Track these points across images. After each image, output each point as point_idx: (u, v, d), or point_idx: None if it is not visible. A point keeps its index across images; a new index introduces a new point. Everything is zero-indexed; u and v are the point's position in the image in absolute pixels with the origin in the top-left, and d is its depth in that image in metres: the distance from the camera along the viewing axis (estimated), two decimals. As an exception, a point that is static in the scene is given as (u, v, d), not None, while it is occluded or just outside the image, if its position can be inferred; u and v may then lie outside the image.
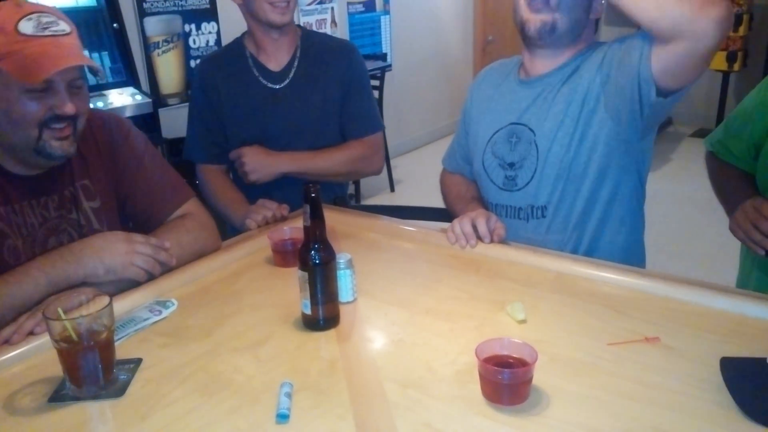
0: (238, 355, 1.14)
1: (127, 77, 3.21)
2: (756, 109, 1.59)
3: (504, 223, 1.53)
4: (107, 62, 3.18)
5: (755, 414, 0.91)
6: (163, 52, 3.92)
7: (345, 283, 1.28)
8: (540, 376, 0.99)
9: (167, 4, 3.89)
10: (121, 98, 3.08)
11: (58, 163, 1.34)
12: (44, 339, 1.12)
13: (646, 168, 1.60)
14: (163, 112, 3.47)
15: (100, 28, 3.15)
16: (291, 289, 1.26)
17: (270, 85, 1.91)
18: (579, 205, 1.55)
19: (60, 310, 1.04)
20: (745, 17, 5.64)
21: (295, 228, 1.54)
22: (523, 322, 1.20)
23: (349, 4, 5.37)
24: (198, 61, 3.40)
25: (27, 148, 1.27)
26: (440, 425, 0.93)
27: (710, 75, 5.98)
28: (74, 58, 1.24)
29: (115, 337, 1.13)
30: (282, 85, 1.92)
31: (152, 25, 3.84)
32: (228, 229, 1.88)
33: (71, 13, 1.49)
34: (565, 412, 0.95)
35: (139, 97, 3.13)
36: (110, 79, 3.10)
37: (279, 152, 1.88)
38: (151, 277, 1.35)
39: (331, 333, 1.21)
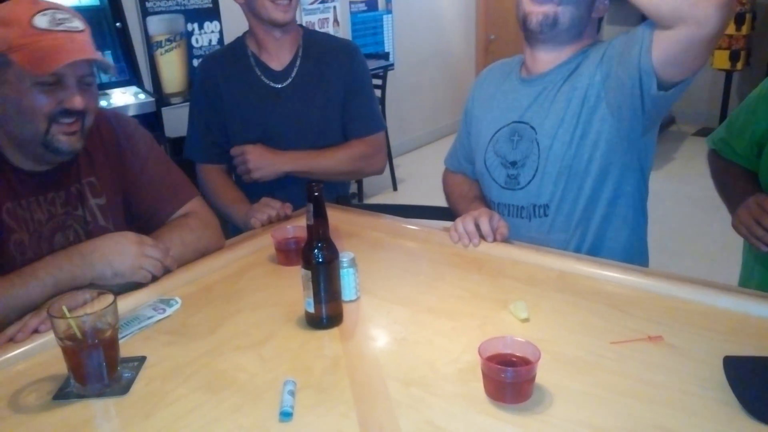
0: (241, 353, 1.14)
1: (130, 76, 3.22)
2: (759, 107, 1.59)
3: (507, 222, 1.53)
4: (110, 61, 3.18)
5: (758, 413, 0.91)
6: (166, 51, 3.92)
7: (348, 281, 1.29)
8: (543, 375, 0.99)
9: (170, 3, 3.89)
10: (124, 97, 3.08)
11: (66, 158, 1.35)
12: (49, 337, 1.12)
13: (648, 165, 1.60)
14: (166, 111, 3.47)
15: (103, 27, 3.16)
16: (294, 288, 1.26)
17: (272, 84, 1.91)
18: (581, 204, 1.55)
19: (64, 308, 1.05)
20: (748, 16, 5.63)
21: (298, 227, 1.55)
22: (525, 320, 1.20)
23: (351, 3, 5.37)
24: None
25: (35, 141, 1.27)
26: (443, 423, 0.94)
27: (713, 74, 5.98)
28: (86, 53, 1.26)
29: (120, 335, 1.13)
30: (284, 84, 1.91)
31: (155, 24, 3.85)
32: (230, 228, 1.88)
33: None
34: (568, 410, 0.95)
35: (142, 96, 3.14)
36: (113, 79, 3.11)
37: (282, 151, 1.88)
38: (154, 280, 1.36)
39: (334, 331, 1.21)
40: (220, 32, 4.16)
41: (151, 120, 3.07)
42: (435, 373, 1.06)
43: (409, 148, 6.14)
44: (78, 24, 1.28)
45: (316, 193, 1.16)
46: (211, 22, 4.12)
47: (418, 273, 1.45)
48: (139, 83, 3.24)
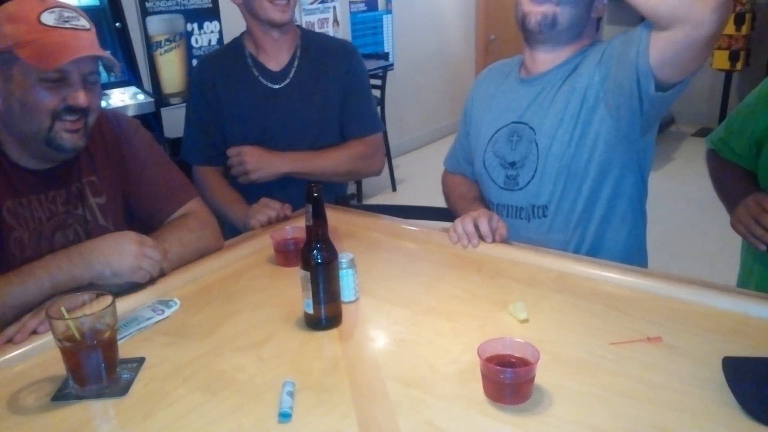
0: (240, 354, 1.14)
1: (129, 76, 3.21)
2: (758, 106, 1.59)
3: (506, 223, 1.53)
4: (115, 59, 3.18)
5: (757, 413, 0.91)
6: (166, 51, 3.92)
7: (347, 282, 1.29)
8: (542, 376, 0.99)
9: (169, 3, 3.89)
10: (123, 97, 3.08)
11: (68, 156, 1.36)
12: (47, 338, 1.12)
13: (647, 165, 1.60)
14: (165, 112, 3.47)
15: (103, 27, 3.15)
16: (293, 289, 1.26)
17: (270, 84, 1.91)
18: (580, 204, 1.55)
19: (63, 310, 1.05)
20: (748, 16, 5.63)
21: (297, 227, 1.54)
22: (525, 321, 1.20)
23: (351, 3, 5.37)
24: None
25: (38, 138, 1.28)
26: (442, 424, 0.93)
27: (713, 74, 5.98)
28: (92, 50, 1.27)
29: (118, 336, 1.13)
30: (282, 84, 1.91)
31: (154, 24, 3.85)
32: (227, 229, 1.87)
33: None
34: (567, 411, 0.95)
35: (141, 97, 3.13)
36: (112, 79, 3.11)
37: (280, 152, 1.87)
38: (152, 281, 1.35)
39: (333, 332, 1.21)
40: (220, 32, 4.16)
41: (150, 120, 3.07)
42: (434, 373, 1.06)
43: (409, 148, 6.14)
44: (84, 23, 1.30)
45: (315, 194, 1.16)
46: (210, 22, 4.12)
47: (418, 274, 1.45)
48: (138, 83, 3.24)
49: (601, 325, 1.18)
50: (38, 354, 1.14)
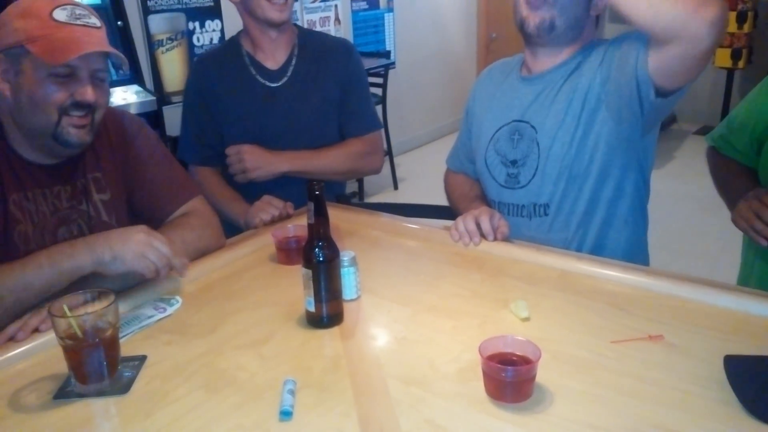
0: (241, 353, 1.14)
1: (131, 75, 3.21)
2: (760, 102, 1.59)
3: (507, 221, 1.53)
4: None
5: (759, 412, 0.91)
6: (167, 50, 3.92)
7: (349, 280, 1.29)
8: (543, 374, 0.99)
9: (171, 1, 3.89)
10: (125, 96, 3.08)
11: (74, 152, 1.37)
12: (49, 336, 1.13)
13: (649, 165, 1.60)
14: (167, 110, 3.47)
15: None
16: (295, 287, 1.26)
17: (268, 83, 1.90)
18: (582, 204, 1.55)
19: (65, 307, 1.05)
20: (750, 14, 5.62)
21: (298, 226, 1.55)
22: (526, 319, 1.20)
23: (352, 1, 5.37)
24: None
25: (45, 133, 1.29)
26: (443, 422, 0.94)
27: (715, 72, 5.97)
28: (101, 47, 1.29)
29: (120, 335, 1.13)
30: (280, 83, 1.90)
31: (156, 22, 3.85)
32: (226, 227, 1.86)
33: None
34: (569, 409, 0.95)
35: (143, 95, 3.14)
36: (114, 77, 3.11)
37: (278, 151, 1.86)
38: (157, 276, 1.31)
39: (334, 330, 1.21)
40: (222, 31, 4.16)
41: (151, 119, 3.07)
42: (435, 372, 1.06)
43: (410, 147, 6.14)
44: (95, 21, 1.31)
45: (317, 192, 1.16)
46: (212, 20, 4.12)
47: (419, 272, 1.45)
48: (140, 82, 3.24)
49: (602, 324, 1.18)
50: (40, 352, 1.15)
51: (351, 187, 4.84)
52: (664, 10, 1.25)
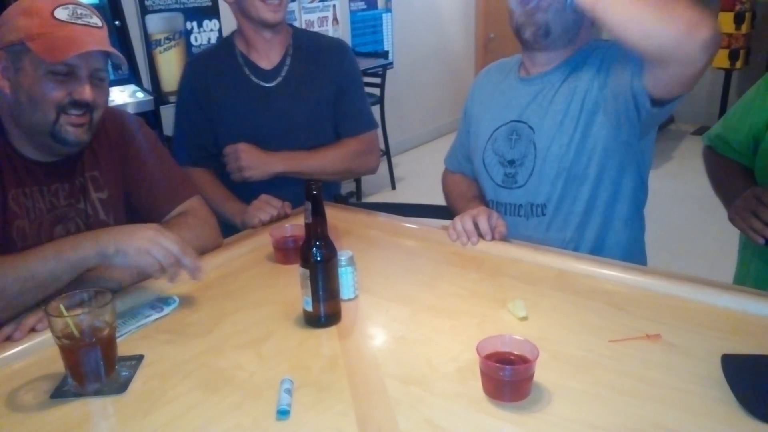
0: (239, 352, 1.14)
1: (128, 75, 3.21)
2: (756, 102, 1.59)
3: (505, 221, 1.53)
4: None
5: (756, 411, 0.91)
6: (165, 49, 3.92)
7: (346, 280, 1.28)
8: (541, 373, 0.99)
9: (169, 1, 3.88)
10: (123, 96, 3.08)
11: (72, 151, 1.37)
12: (46, 335, 1.12)
13: (646, 166, 1.60)
14: (164, 110, 3.47)
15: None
16: (292, 287, 1.26)
17: (262, 83, 1.88)
18: (580, 206, 1.55)
19: (62, 307, 1.04)
20: (748, 15, 5.63)
21: (296, 225, 1.54)
22: (524, 319, 1.20)
23: (350, 1, 5.36)
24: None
25: (43, 131, 1.30)
26: (441, 422, 0.93)
27: (712, 73, 5.97)
28: (100, 46, 1.29)
29: (117, 334, 1.13)
30: (274, 83, 1.89)
31: (154, 22, 3.84)
32: (222, 227, 1.85)
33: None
34: (566, 408, 0.95)
35: (140, 95, 3.13)
36: (112, 77, 3.11)
37: (274, 152, 1.85)
38: (165, 276, 1.25)
39: (332, 330, 1.21)
40: (219, 31, 4.15)
41: (149, 118, 3.07)
42: (433, 371, 1.06)
43: (408, 146, 6.14)
44: (97, 21, 1.32)
45: (315, 192, 1.16)
46: (210, 20, 4.12)
47: (417, 271, 1.45)
48: (137, 82, 3.24)
49: (600, 323, 1.18)
50: (37, 351, 1.14)
51: (349, 186, 4.84)
52: (655, 33, 1.23)
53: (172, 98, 3.93)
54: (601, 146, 1.50)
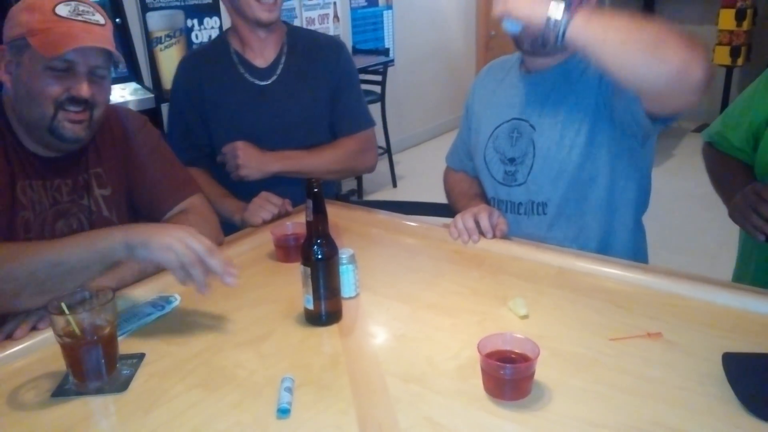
0: (240, 351, 1.14)
1: (129, 72, 3.21)
2: (757, 97, 1.59)
3: (506, 219, 1.53)
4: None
5: (757, 409, 0.91)
6: (166, 47, 3.91)
7: (347, 278, 1.28)
8: (542, 371, 0.99)
9: (169, -1, 3.89)
10: (124, 93, 3.08)
11: (71, 147, 1.38)
12: (47, 334, 1.12)
13: (648, 168, 1.60)
14: (165, 108, 3.46)
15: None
16: (293, 285, 1.26)
17: (257, 82, 1.87)
18: (583, 208, 1.54)
19: (63, 305, 1.05)
20: (749, 12, 5.62)
21: (297, 223, 1.54)
22: (525, 317, 1.20)
23: (351, -2, 5.37)
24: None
25: (42, 126, 1.31)
26: (442, 420, 0.93)
27: (713, 70, 5.95)
28: (97, 42, 1.29)
29: (118, 332, 1.13)
30: (269, 81, 1.87)
31: (155, 20, 3.84)
32: (223, 226, 1.85)
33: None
34: (567, 406, 0.95)
35: (141, 93, 3.13)
36: (112, 74, 3.11)
37: (270, 152, 1.83)
38: (187, 277, 1.18)
39: (333, 328, 1.21)
40: (220, 28, 4.15)
41: (150, 116, 3.05)
42: (434, 369, 1.06)
43: (409, 144, 6.13)
44: (99, 18, 1.32)
45: (316, 190, 1.16)
46: (211, 17, 4.11)
47: (418, 270, 1.45)
48: (138, 79, 3.24)
49: (601, 321, 1.18)
50: (38, 350, 1.15)
51: (350, 184, 4.84)
52: (646, 77, 1.21)
53: (173, 96, 3.94)
54: (605, 150, 1.50)
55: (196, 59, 1.96)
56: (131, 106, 2.99)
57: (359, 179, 4.88)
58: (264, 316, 1.26)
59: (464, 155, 1.84)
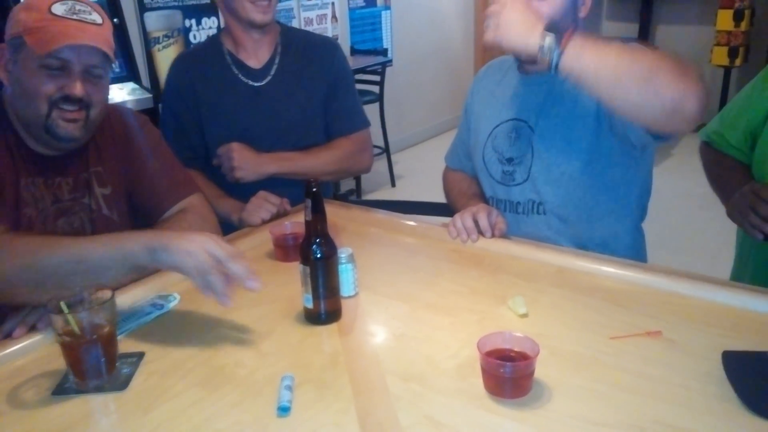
0: (240, 349, 1.14)
1: (127, 72, 3.21)
2: (754, 96, 1.59)
3: (505, 218, 1.53)
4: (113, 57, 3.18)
5: (757, 407, 0.91)
6: (164, 47, 3.91)
7: (346, 277, 1.29)
8: (541, 370, 0.99)
9: (167, -1, 3.89)
10: (122, 93, 3.07)
11: (67, 146, 1.37)
12: (47, 333, 1.12)
13: (648, 170, 1.60)
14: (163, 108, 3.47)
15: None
16: (293, 284, 1.26)
17: (251, 82, 1.86)
18: (583, 210, 1.54)
19: (63, 304, 1.04)
20: (747, 13, 5.63)
21: (296, 222, 1.54)
22: (524, 316, 1.20)
23: (349, -1, 5.37)
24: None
25: (38, 124, 1.31)
26: (442, 418, 0.94)
27: (712, 70, 5.98)
28: (90, 40, 1.29)
29: (118, 331, 1.13)
30: (263, 82, 1.86)
31: (153, 20, 3.84)
32: (221, 225, 1.84)
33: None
34: (567, 405, 0.95)
35: (139, 92, 3.13)
36: (110, 74, 3.10)
37: (266, 153, 1.82)
38: (207, 285, 1.13)
39: (332, 327, 1.21)
40: (218, 28, 4.14)
41: (148, 116, 3.06)
42: (434, 368, 1.06)
43: (408, 144, 6.13)
44: (96, 17, 1.33)
45: (315, 189, 1.16)
46: (209, 17, 4.11)
47: (417, 269, 1.45)
48: (136, 79, 3.23)
49: (600, 320, 1.18)
50: (38, 349, 1.15)
51: (349, 184, 4.84)
52: (641, 110, 1.21)
53: (172, 96, 3.93)
54: (605, 155, 1.50)
55: (188, 60, 1.95)
56: (129, 106, 2.98)
57: (358, 179, 4.88)
58: (264, 315, 1.26)
59: (463, 155, 1.84)
